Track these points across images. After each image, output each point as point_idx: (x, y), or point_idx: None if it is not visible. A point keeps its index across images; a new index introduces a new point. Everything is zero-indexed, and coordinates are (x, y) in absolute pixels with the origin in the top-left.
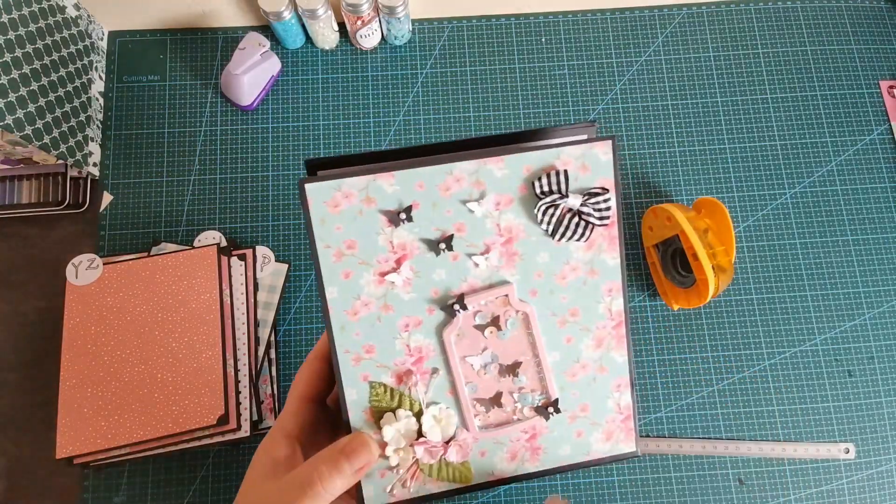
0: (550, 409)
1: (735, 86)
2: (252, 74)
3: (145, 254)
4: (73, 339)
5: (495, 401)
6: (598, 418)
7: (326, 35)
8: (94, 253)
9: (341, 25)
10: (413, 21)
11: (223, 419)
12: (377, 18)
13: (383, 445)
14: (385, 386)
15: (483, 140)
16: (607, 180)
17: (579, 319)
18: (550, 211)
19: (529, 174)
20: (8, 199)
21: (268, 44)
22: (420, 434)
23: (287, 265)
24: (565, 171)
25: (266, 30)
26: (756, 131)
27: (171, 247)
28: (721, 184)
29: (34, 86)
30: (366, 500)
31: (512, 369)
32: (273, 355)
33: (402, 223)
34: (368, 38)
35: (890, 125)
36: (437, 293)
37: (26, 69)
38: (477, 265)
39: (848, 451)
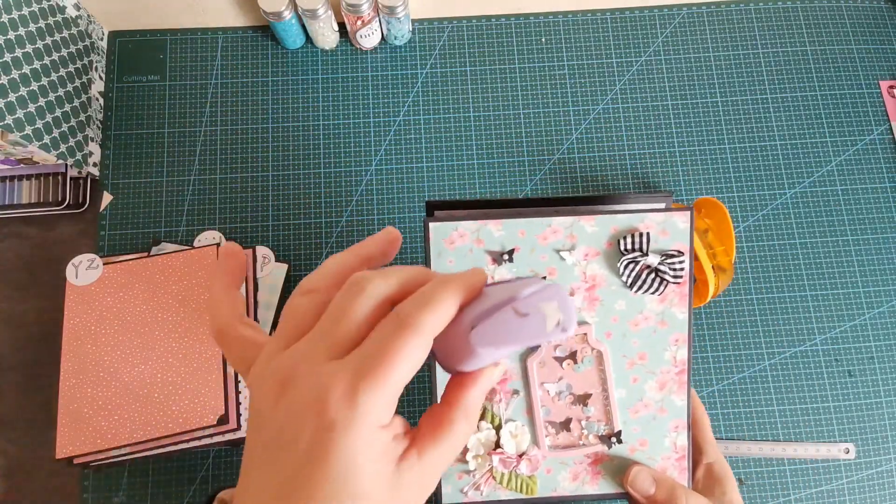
0: (613, 439)
1: (735, 86)
2: None
3: (145, 254)
4: (73, 339)
5: (565, 425)
6: (655, 454)
7: (326, 35)
8: (94, 253)
9: (341, 25)
10: (413, 21)
11: (223, 419)
12: (377, 18)
13: (465, 451)
14: None
15: (573, 199)
16: (683, 245)
17: (646, 363)
18: (631, 266)
19: (616, 233)
20: (8, 199)
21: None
22: (497, 445)
23: (287, 265)
24: (647, 233)
25: (266, 30)
26: (756, 131)
27: (171, 247)
28: (721, 184)
29: (34, 86)
30: (444, 497)
31: (582, 399)
32: None
33: (503, 263)
34: (368, 38)
35: (890, 125)
36: None
37: (26, 69)
38: None
39: (848, 452)
